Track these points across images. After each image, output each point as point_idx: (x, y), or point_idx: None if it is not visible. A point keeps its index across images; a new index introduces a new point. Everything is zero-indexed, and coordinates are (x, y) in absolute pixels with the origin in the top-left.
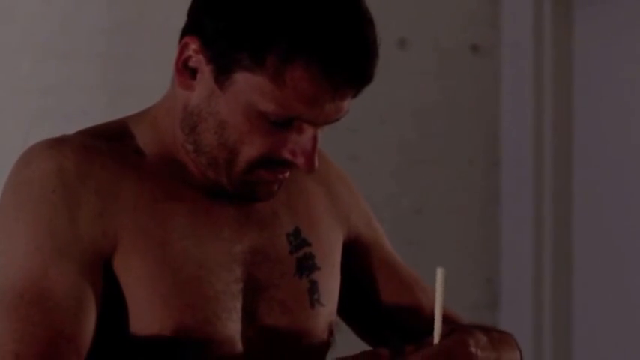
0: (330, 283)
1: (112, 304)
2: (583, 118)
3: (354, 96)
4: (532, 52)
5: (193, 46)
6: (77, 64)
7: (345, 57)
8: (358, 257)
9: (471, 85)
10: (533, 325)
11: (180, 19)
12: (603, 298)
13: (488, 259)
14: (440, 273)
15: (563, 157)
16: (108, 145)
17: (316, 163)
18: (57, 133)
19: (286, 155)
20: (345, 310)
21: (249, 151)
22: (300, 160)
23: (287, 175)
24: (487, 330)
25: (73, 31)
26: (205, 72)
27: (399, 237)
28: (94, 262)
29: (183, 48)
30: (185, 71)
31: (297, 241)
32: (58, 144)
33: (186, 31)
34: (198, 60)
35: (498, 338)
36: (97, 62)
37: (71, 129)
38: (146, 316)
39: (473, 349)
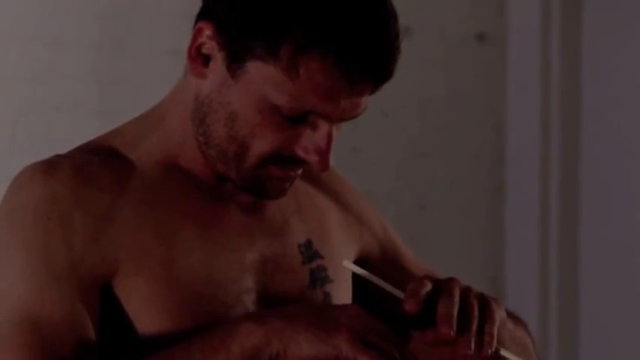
0: (343, 298)
1: (117, 325)
2: (591, 110)
3: (372, 92)
4: (540, 41)
5: (207, 31)
6: (67, 52)
7: (364, 51)
8: (379, 270)
9: (476, 76)
10: (539, 323)
11: (173, 5)
12: (610, 295)
13: (492, 255)
14: (346, 265)
15: (571, 151)
16: (104, 164)
17: (330, 162)
18: (46, 124)
19: (299, 152)
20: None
21: (260, 145)
22: (313, 158)
23: (299, 172)
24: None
25: (63, 16)
26: (218, 59)
27: (401, 233)
28: (92, 287)
29: (197, 33)
30: (198, 58)
31: (309, 253)
32: (51, 168)
33: (200, 16)
34: (211, 46)
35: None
36: (89, 49)
37: (61, 119)
38: (155, 337)
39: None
